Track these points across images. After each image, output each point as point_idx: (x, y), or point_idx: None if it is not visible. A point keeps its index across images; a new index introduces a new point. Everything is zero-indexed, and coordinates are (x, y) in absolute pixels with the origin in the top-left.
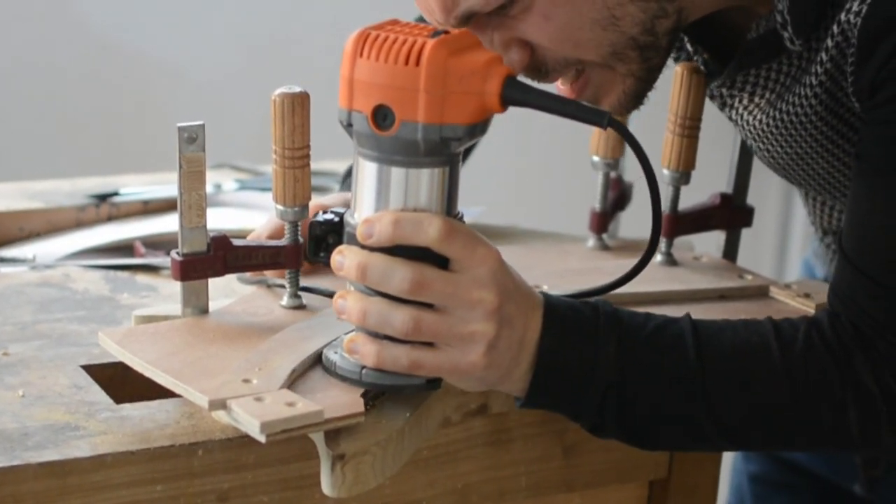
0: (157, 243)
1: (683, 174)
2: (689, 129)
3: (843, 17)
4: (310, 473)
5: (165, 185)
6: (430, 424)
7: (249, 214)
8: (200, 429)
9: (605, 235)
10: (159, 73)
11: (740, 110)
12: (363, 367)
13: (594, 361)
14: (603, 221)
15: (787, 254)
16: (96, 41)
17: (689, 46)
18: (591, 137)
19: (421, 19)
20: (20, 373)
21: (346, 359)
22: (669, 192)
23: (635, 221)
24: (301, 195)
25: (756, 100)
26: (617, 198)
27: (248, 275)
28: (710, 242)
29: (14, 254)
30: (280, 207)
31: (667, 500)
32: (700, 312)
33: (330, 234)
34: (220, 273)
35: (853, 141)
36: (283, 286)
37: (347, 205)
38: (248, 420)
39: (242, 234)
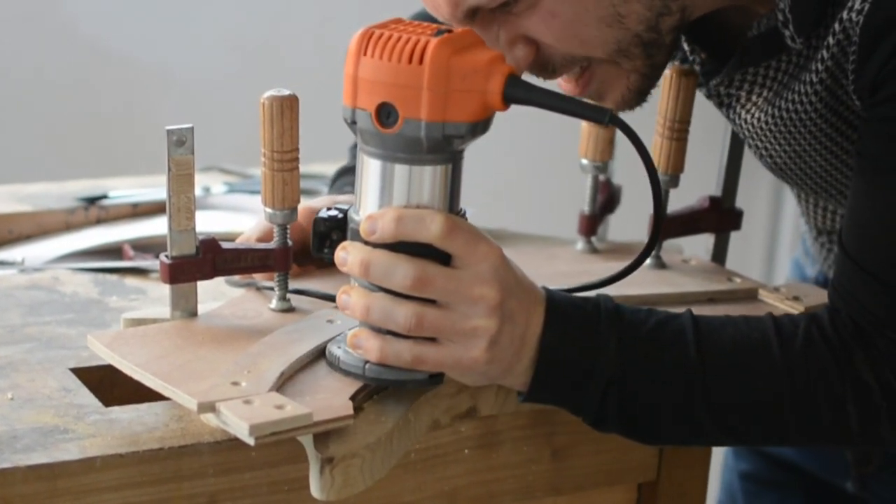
0: (146, 246)
1: (672, 177)
2: (678, 132)
3: (844, 14)
4: (299, 476)
5: (154, 188)
6: (419, 427)
7: (238, 217)
8: (189, 432)
9: (593, 238)
10: (148, 77)
11: (738, 109)
12: (366, 362)
13: (595, 356)
14: (592, 224)
15: (776, 257)
16: (85, 45)
17: (685, 46)
18: (579, 140)
19: (420, 18)
20: (9, 376)
21: (349, 353)
22: None
23: (624, 224)
24: (290, 198)
25: (754, 98)
26: (606, 201)
27: (236, 277)
28: (698, 245)
29: (3, 257)
30: (269, 210)
31: (656, 503)
32: None
33: (334, 231)
34: (208, 276)
35: (852, 139)
36: (272, 289)
37: (333, 205)
38: (237, 423)
39: (231, 237)
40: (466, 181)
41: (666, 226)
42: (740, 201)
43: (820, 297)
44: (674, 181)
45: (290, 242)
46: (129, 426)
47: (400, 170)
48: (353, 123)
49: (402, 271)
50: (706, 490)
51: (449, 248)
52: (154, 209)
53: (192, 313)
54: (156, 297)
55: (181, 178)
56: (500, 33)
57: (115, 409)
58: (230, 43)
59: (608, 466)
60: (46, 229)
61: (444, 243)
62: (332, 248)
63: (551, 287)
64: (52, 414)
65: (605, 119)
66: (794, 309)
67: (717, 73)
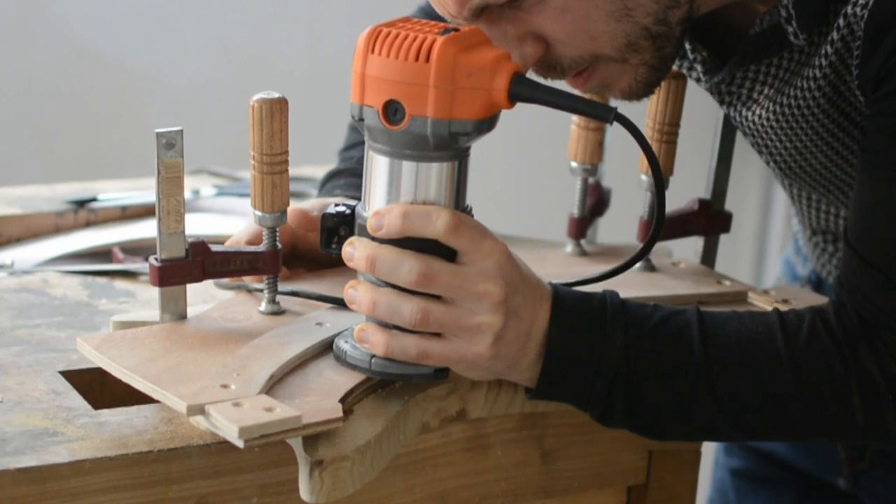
0: (136, 249)
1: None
2: (668, 135)
3: (849, 10)
4: (288, 479)
5: (144, 191)
6: (408, 430)
7: (227, 220)
8: (179, 434)
9: (583, 241)
10: (138, 80)
11: (738, 107)
12: (372, 356)
13: (601, 350)
14: (581, 227)
15: (765, 259)
16: (74, 48)
17: (687, 45)
18: (569, 143)
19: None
20: None
21: (356, 348)
22: (648, 198)
23: (613, 227)
24: (279, 201)
25: (755, 95)
26: (595, 203)
27: (226, 280)
28: (688, 248)
29: None
30: (258, 213)
31: None
32: None
33: (342, 226)
34: (198, 279)
35: (854, 136)
36: (263, 291)
37: (324, 207)
38: (227, 425)
39: (221, 240)
40: None
41: None
42: (730, 204)
43: (809, 299)
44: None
45: (279, 245)
46: (118, 429)
47: (407, 166)
48: (360, 120)
49: (407, 267)
50: (695, 493)
51: (454, 244)
52: (143, 212)
53: (182, 316)
54: (145, 299)
55: (170, 181)
56: (509, 30)
57: (105, 411)
58: (219, 46)
59: (597, 469)
60: (36, 232)
61: (449, 239)
62: (340, 243)
63: None
64: (41, 417)
65: (610, 118)
66: None
67: (719, 70)
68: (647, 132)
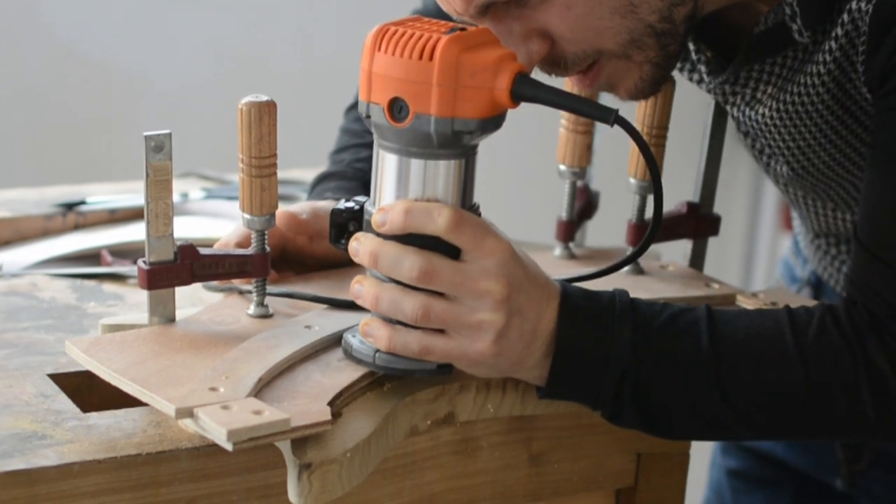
0: (124, 252)
1: (650, 183)
2: (657, 138)
3: (853, 5)
4: (277, 482)
5: (132, 194)
6: (396, 433)
7: (216, 223)
8: (167, 437)
9: (571, 244)
10: (126, 82)
11: (742, 106)
12: (377, 351)
13: (610, 347)
14: (569, 230)
15: (754, 262)
16: (63, 50)
17: (691, 45)
18: (557, 145)
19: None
20: None
21: (363, 342)
22: (636, 201)
23: (602, 230)
24: (268, 204)
25: (759, 95)
26: (583, 206)
27: (215, 283)
28: (676, 251)
29: None
30: (247, 216)
31: None
32: None
33: (351, 222)
34: (186, 282)
35: (857, 133)
36: (251, 292)
37: (317, 213)
38: (215, 428)
39: (209, 243)
40: None
41: (644, 232)
42: (718, 207)
43: (798, 302)
44: (652, 187)
45: (268, 248)
46: (106, 432)
47: (413, 164)
48: (367, 117)
49: (409, 263)
50: (684, 496)
51: (456, 241)
52: (132, 215)
53: (170, 319)
54: (134, 302)
55: (159, 184)
56: (514, 27)
57: (93, 414)
58: (208, 49)
59: (586, 472)
60: (24, 235)
61: (450, 236)
62: (349, 239)
63: None
64: (29, 420)
65: (611, 120)
66: None
67: (723, 71)
68: None
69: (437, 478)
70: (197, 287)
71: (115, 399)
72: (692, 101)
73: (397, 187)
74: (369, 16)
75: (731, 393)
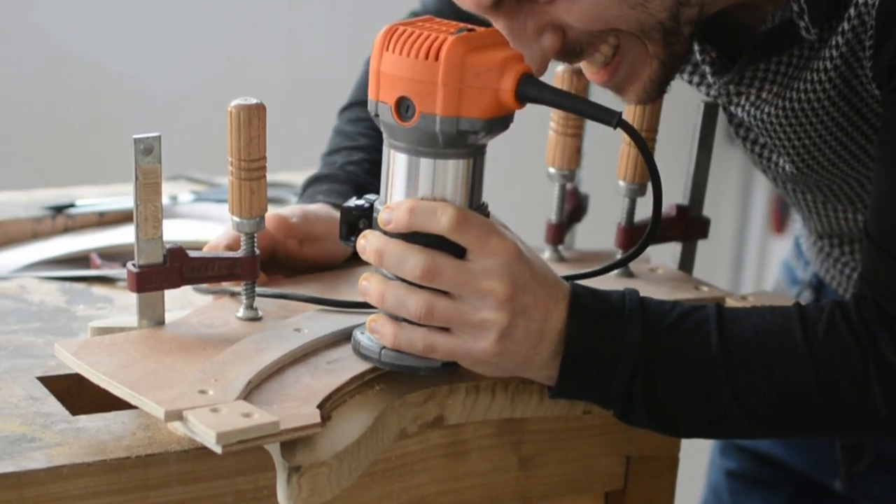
0: (114, 255)
1: (640, 186)
2: (647, 141)
3: None
4: (266, 485)
5: (121, 197)
6: (386, 436)
7: (205, 226)
8: (156, 440)
9: (560, 247)
10: (116, 85)
11: (747, 106)
12: (383, 348)
13: (620, 345)
14: (559, 233)
15: (743, 265)
16: (53, 53)
17: (695, 45)
18: (546, 148)
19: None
20: None
21: (370, 339)
22: (626, 204)
23: (591, 233)
24: (257, 207)
25: (764, 94)
26: (573, 209)
27: (205, 285)
28: (666, 254)
29: None
30: (236, 219)
31: None
32: None
33: (361, 220)
34: (176, 285)
35: (862, 130)
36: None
37: (307, 216)
38: (205, 431)
39: (199, 246)
40: None
41: (633, 235)
42: (707, 210)
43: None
44: (641, 190)
45: (257, 251)
46: (96, 435)
47: (422, 163)
48: (376, 116)
49: (412, 261)
50: (673, 499)
51: (460, 240)
52: (121, 218)
53: (160, 322)
54: (123, 305)
55: (148, 187)
56: (528, 23)
57: (83, 417)
58: (198, 52)
59: (575, 475)
60: (13, 238)
61: (454, 235)
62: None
63: None
64: (18, 423)
65: (614, 122)
66: None
67: (727, 70)
68: (626, 138)
69: (427, 480)
70: (186, 290)
71: (105, 402)
72: (682, 104)
73: (406, 186)
74: (357, 19)
75: (741, 389)
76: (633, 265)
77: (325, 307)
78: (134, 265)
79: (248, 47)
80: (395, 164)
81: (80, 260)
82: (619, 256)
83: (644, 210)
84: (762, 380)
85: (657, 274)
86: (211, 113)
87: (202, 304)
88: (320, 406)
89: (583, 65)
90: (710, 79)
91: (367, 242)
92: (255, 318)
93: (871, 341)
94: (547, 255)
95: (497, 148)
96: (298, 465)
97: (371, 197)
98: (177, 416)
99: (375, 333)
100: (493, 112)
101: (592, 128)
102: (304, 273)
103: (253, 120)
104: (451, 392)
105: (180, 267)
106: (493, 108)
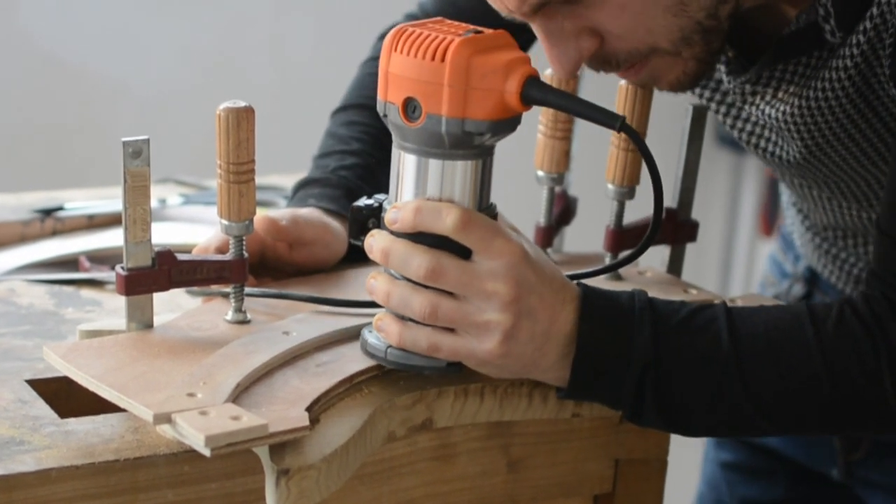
0: (102, 258)
1: (628, 189)
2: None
3: None
4: (255, 488)
5: (110, 200)
6: (374, 439)
7: (194, 229)
8: (145, 443)
9: (549, 250)
10: (104, 88)
11: (762, 105)
12: (388, 347)
13: (630, 344)
14: (548, 236)
15: (732, 268)
16: (41, 56)
17: None
18: (535, 151)
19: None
20: None
21: (377, 338)
22: (614, 207)
23: (580, 236)
24: (246, 210)
25: (781, 94)
26: (562, 212)
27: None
28: (654, 257)
29: None
30: (225, 222)
31: None
32: None
33: (371, 219)
34: (164, 288)
35: (876, 129)
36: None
37: (297, 220)
38: (193, 434)
39: (187, 249)
40: None
41: (622, 238)
42: (696, 213)
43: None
44: (630, 193)
45: (245, 254)
46: (84, 438)
47: (429, 164)
48: (384, 116)
49: (417, 261)
50: (661, 502)
51: (465, 241)
52: (110, 221)
53: (148, 325)
54: (112, 308)
55: (137, 190)
56: (566, 25)
57: (71, 420)
58: (186, 55)
59: (564, 478)
60: (2, 241)
61: (459, 236)
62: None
63: None
64: (7, 426)
65: (617, 125)
66: None
67: (744, 70)
68: (614, 141)
69: (415, 484)
70: (175, 293)
71: (93, 405)
72: (670, 107)
73: (415, 187)
74: (345, 23)
75: (753, 385)
76: (622, 269)
77: (315, 310)
78: (122, 268)
79: (237, 50)
80: (404, 164)
81: (69, 263)
82: (607, 259)
83: (632, 213)
84: (773, 375)
85: (646, 277)
86: (199, 116)
87: (191, 308)
88: (309, 409)
89: None
90: (724, 78)
91: (374, 241)
92: (244, 322)
93: (882, 333)
94: None
95: None
96: (287, 469)
97: (380, 197)
98: (165, 419)
99: (381, 332)
100: (498, 114)
101: (581, 131)
102: (291, 277)
103: (241, 123)
104: (440, 395)
105: (169, 270)
106: (498, 109)
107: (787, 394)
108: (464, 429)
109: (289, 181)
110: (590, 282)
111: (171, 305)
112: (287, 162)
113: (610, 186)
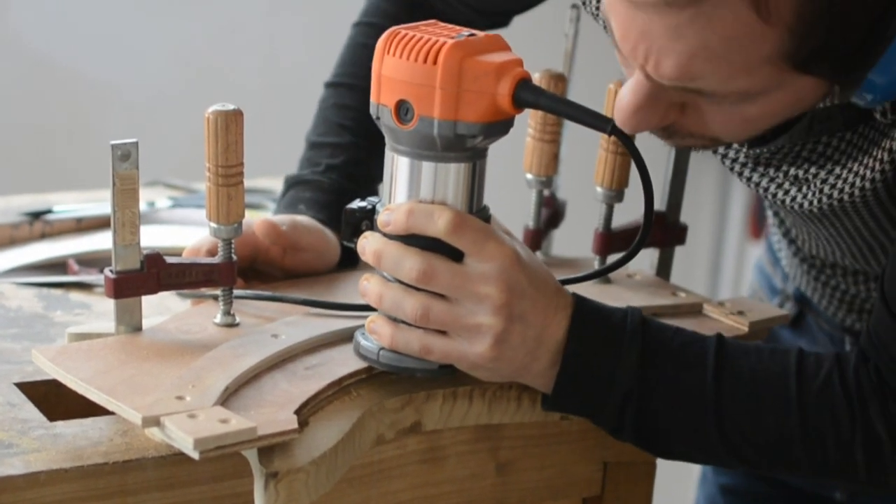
0: (91, 261)
1: (617, 192)
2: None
3: None
4: (243, 491)
5: (99, 203)
6: (363, 442)
7: (183, 232)
8: (134, 446)
9: (538, 253)
10: (93, 91)
11: (774, 190)
12: (381, 349)
13: (616, 368)
14: (536, 239)
15: (720, 272)
16: (30, 58)
17: None
18: (524, 155)
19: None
20: None
21: (370, 340)
22: (603, 210)
23: (568, 239)
24: (235, 213)
25: (802, 174)
26: (550, 215)
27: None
28: (643, 260)
29: None
30: (213, 225)
31: None
32: None
33: (364, 221)
34: (153, 291)
35: None
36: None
37: (296, 227)
38: (182, 437)
39: (176, 252)
40: None
41: (610, 241)
42: (685, 216)
43: (765, 311)
44: (619, 196)
45: (234, 257)
46: (73, 441)
47: (422, 166)
48: (377, 119)
49: (409, 263)
50: None
51: (457, 243)
52: (98, 224)
53: (137, 328)
54: (100, 311)
55: (126, 193)
56: (673, 95)
57: (60, 423)
58: (175, 58)
59: (552, 481)
60: None
61: (451, 238)
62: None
63: None
64: None
65: (608, 129)
66: (739, 324)
67: (766, 142)
68: (603, 144)
69: (404, 486)
70: (163, 296)
71: (82, 408)
72: None
73: (408, 189)
74: (335, 25)
75: (729, 431)
76: None
77: (304, 313)
78: (111, 271)
79: (226, 53)
80: (397, 167)
81: (58, 266)
82: (596, 263)
83: (621, 216)
84: (749, 425)
85: (635, 280)
86: (188, 119)
87: (180, 311)
88: (297, 412)
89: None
90: (740, 147)
91: (367, 243)
92: (233, 325)
93: (862, 409)
94: None
95: None
96: (276, 471)
97: (374, 199)
98: (154, 421)
99: (374, 334)
100: (490, 116)
101: (570, 134)
102: (280, 281)
103: (230, 126)
104: (429, 398)
105: (157, 273)
106: (490, 112)
107: (761, 444)
108: (452, 432)
109: (278, 185)
110: (580, 285)
111: (160, 308)
112: (276, 165)
113: (599, 189)
